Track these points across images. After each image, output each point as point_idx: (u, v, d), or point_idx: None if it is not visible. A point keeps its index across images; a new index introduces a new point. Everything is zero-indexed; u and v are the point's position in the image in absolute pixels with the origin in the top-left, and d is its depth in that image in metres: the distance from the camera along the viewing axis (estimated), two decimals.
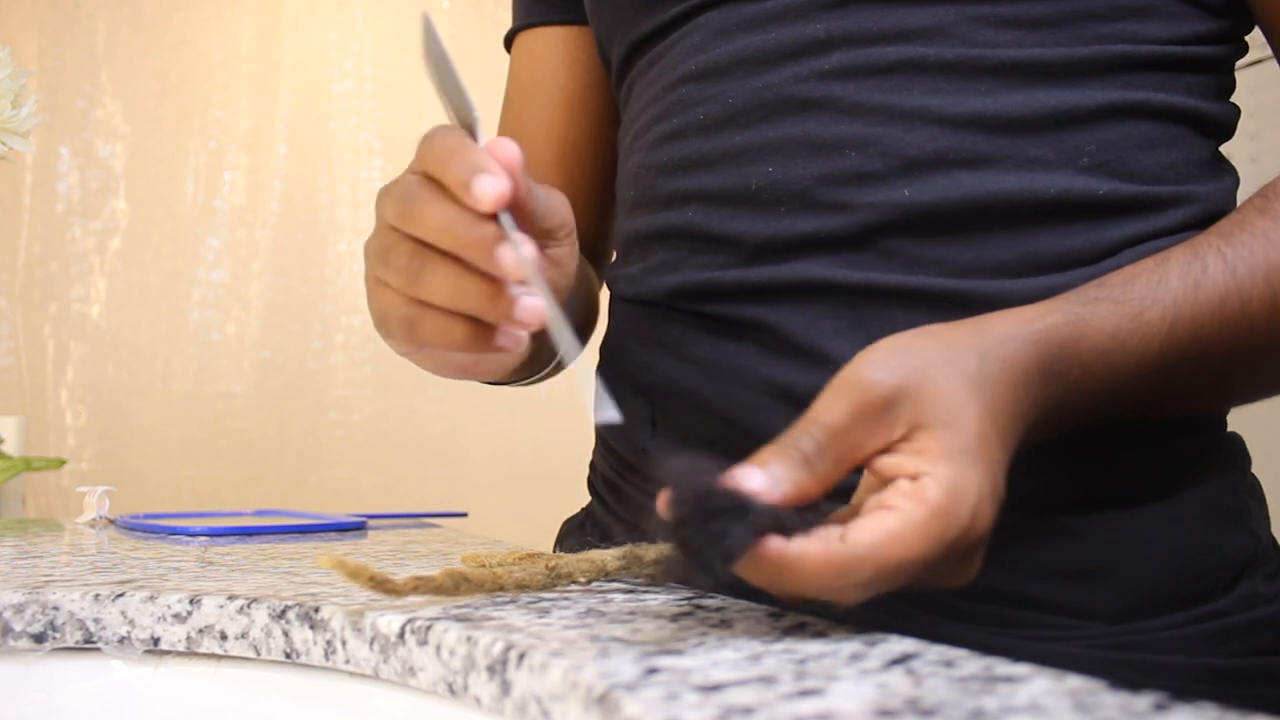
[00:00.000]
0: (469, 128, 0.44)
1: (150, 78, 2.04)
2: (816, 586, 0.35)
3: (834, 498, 0.39)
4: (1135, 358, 0.46)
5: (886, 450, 0.38)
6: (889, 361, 0.39)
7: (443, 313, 0.44)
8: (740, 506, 0.34)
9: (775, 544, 0.34)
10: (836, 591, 0.36)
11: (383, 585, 0.39)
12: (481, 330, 0.44)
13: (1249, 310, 0.47)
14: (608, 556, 0.44)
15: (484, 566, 0.49)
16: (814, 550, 0.35)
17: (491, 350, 0.44)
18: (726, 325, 0.56)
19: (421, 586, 0.40)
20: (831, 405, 0.38)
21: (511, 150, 0.41)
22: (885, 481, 0.38)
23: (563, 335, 0.41)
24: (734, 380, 0.55)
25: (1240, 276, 0.47)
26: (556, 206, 0.47)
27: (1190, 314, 0.46)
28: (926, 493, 0.36)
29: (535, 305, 0.41)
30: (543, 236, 0.47)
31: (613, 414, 0.39)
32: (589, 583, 0.45)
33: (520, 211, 0.42)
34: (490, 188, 0.40)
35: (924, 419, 0.38)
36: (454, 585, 0.41)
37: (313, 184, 2.12)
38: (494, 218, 0.41)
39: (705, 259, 0.56)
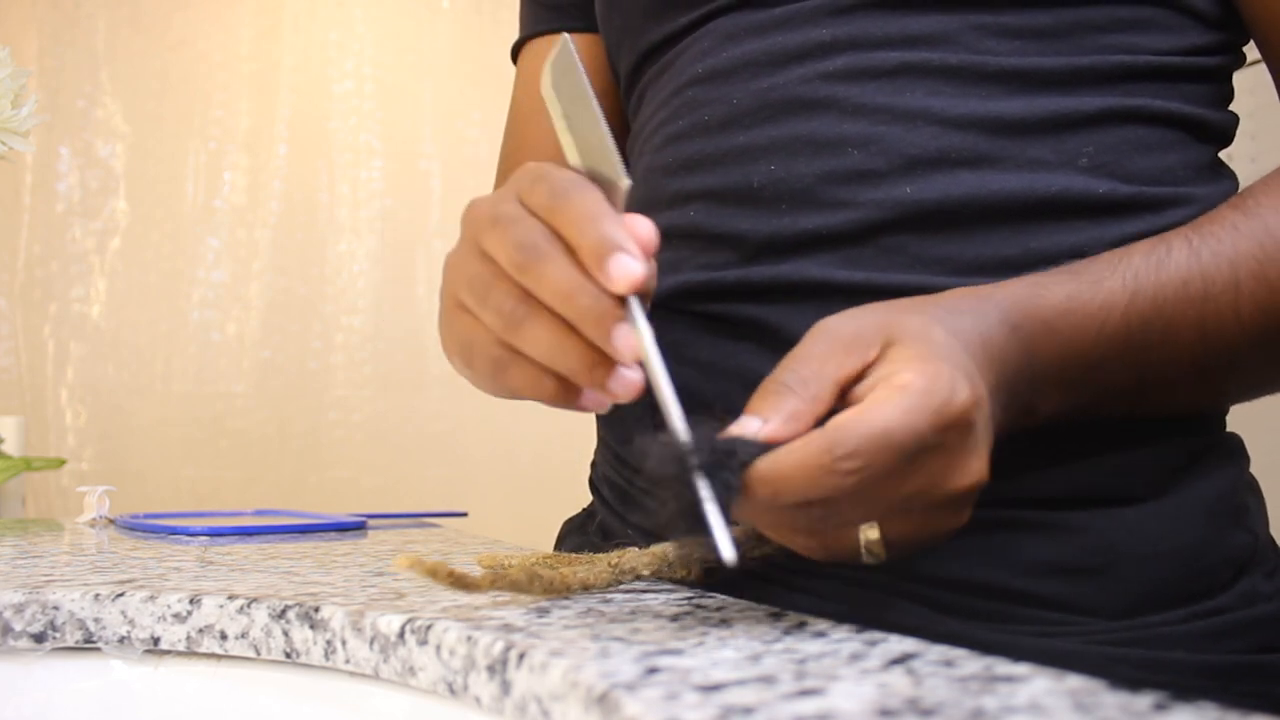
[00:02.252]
0: (606, 187, 0.40)
1: (150, 78, 2.04)
2: (809, 478, 0.35)
3: None
4: (1097, 323, 0.46)
5: (863, 376, 0.39)
6: (854, 310, 0.42)
7: (535, 364, 0.43)
8: (720, 449, 0.35)
9: (759, 462, 0.35)
10: (830, 476, 0.35)
11: (461, 581, 0.39)
12: (570, 386, 0.43)
13: (1212, 293, 0.48)
14: (668, 546, 0.43)
15: (501, 567, 0.49)
16: (795, 443, 0.35)
17: (575, 408, 0.44)
18: (727, 325, 0.56)
19: (499, 582, 0.40)
20: (806, 342, 0.40)
21: (649, 231, 0.39)
22: None
23: (676, 421, 0.37)
24: (735, 382, 0.55)
25: (1205, 261, 0.48)
26: (650, 279, 0.45)
27: (1152, 289, 0.47)
28: (901, 378, 0.37)
29: (634, 380, 0.41)
30: None
31: (727, 552, 0.35)
32: (652, 575, 0.44)
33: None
34: (628, 270, 0.38)
35: (894, 336, 0.40)
36: (529, 581, 0.41)
37: (313, 184, 2.12)
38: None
39: (706, 258, 0.57)
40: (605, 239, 0.38)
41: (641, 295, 0.39)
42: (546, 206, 0.40)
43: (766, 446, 0.35)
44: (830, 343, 0.39)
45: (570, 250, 0.39)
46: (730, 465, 0.35)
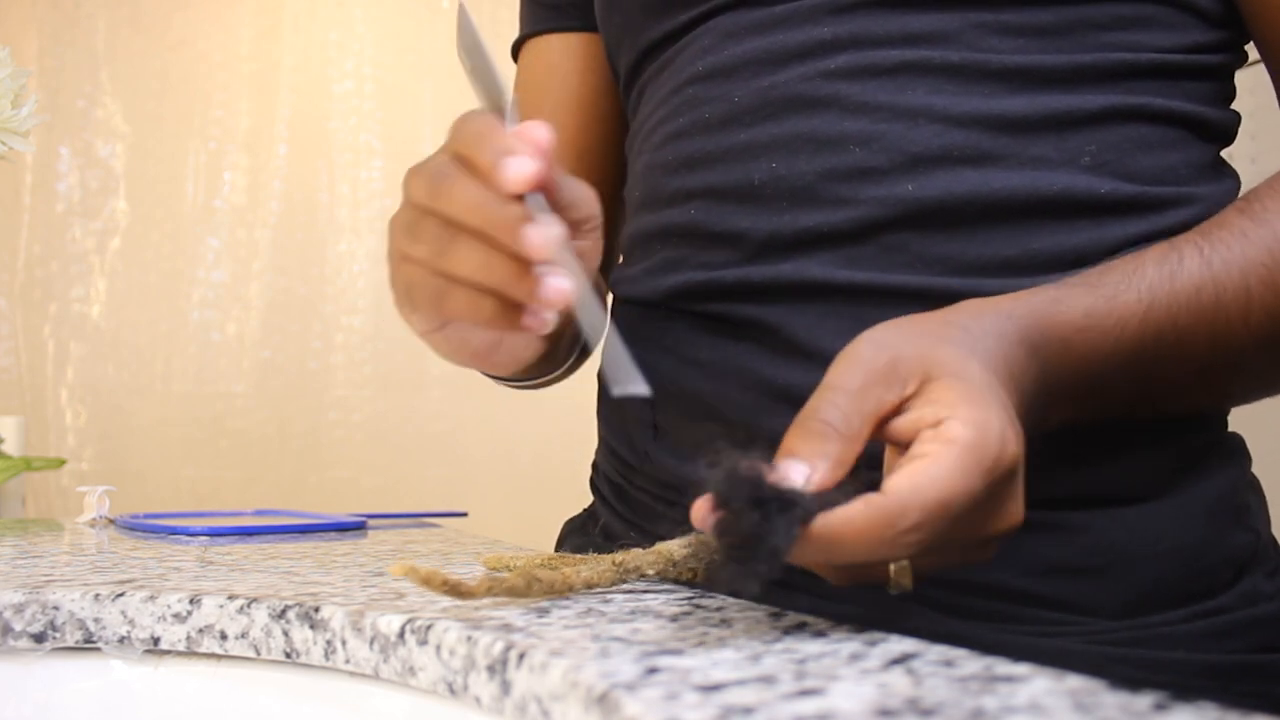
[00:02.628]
0: (500, 110, 0.45)
1: (150, 78, 2.04)
2: (869, 549, 0.35)
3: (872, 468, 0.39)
4: (1112, 339, 0.46)
5: (901, 411, 0.39)
6: (884, 335, 0.41)
7: (470, 287, 0.44)
8: (783, 501, 0.34)
9: (819, 521, 0.35)
10: (890, 547, 0.35)
11: (457, 589, 0.39)
12: (509, 308, 0.44)
13: (1223, 301, 0.48)
14: (674, 546, 0.43)
15: (507, 568, 0.49)
16: (857, 511, 0.35)
17: (518, 329, 0.44)
18: (727, 325, 0.56)
19: (495, 588, 0.40)
20: (843, 371, 0.39)
21: (541, 133, 0.42)
22: (907, 444, 0.38)
23: (589, 313, 0.41)
24: (734, 382, 0.55)
25: (1216, 269, 0.48)
26: (583, 198, 0.46)
27: (1166, 300, 0.47)
28: (952, 431, 0.37)
29: (561, 285, 0.41)
30: (568, 227, 0.46)
31: (639, 387, 0.39)
32: (657, 575, 0.44)
33: (548, 197, 0.43)
34: (519, 168, 0.40)
35: (932, 371, 0.39)
36: (526, 585, 0.40)
37: (313, 184, 2.12)
38: (522, 199, 0.41)
39: (707, 257, 0.57)
40: (495, 148, 0.41)
41: (545, 190, 0.42)
42: (449, 141, 0.44)
43: (820, 497, 0.36)
44: (865, 374, 0.39)
45: (473, 170, 0.42)
46: (792, 514, 0.34)
